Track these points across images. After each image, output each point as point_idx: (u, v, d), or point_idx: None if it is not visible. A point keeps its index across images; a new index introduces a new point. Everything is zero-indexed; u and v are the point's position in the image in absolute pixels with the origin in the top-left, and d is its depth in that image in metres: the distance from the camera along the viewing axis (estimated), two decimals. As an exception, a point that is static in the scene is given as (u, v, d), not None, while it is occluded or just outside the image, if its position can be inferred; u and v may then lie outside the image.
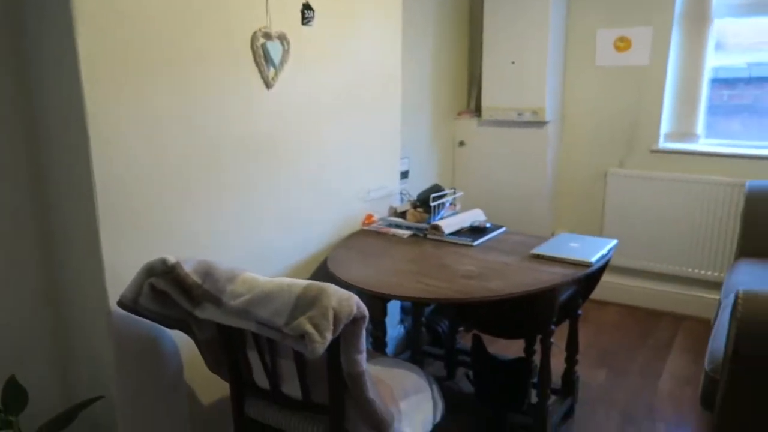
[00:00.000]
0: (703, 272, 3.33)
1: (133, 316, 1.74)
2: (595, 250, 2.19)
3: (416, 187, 3.30)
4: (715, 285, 3.33)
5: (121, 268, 1.72)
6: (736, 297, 1.70)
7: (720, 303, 2.52)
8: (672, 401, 2.57)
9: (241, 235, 2.10)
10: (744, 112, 3.44)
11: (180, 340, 1.92)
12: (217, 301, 1.52)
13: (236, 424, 1.79)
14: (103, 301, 1.71)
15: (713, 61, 3.33)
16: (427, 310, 2.99)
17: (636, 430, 2.38)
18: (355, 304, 1.43)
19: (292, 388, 1.65)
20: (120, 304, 1.61)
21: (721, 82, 3.41)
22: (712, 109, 3.43)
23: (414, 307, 2.65)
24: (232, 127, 2.01)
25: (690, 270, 3.37)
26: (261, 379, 1.70)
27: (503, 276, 2.02)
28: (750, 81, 3.48)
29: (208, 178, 1.95)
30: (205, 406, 2.06)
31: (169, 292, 1.59)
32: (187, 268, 1.58)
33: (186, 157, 1.86)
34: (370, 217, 2.66)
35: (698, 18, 3.25)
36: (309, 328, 1.37)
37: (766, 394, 1.69)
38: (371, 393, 1.53)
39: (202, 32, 1.86)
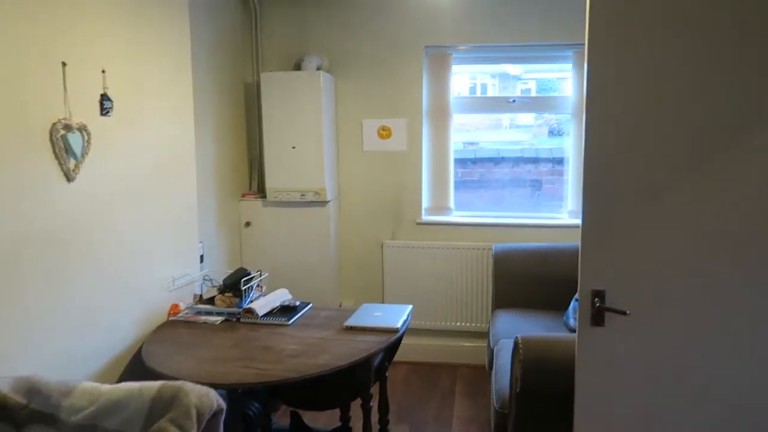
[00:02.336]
0: (469, 324, 3.91)
1: None
2: (397, 316, 2.48)
3: (213, 271, 3.27)
4: (480, 335, 3.92)
5: None
6: (516, 343, 2.11)
7: (491, 350, 3.01)
8: (464, 441, 2.95)
9: (44, 339, 1.90)
10: (475, 187, 4.21)
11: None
12: (51, 419, 1.39)
13: None
14: None
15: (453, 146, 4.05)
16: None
17: (441, 473, 2.68)
18: (214, 397, 1.44)
19: (136, 501, 1.54)
20: None
21: (455, 162, 4.13)
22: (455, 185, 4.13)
23: (229, 395, 2.61)
24: (32, 222, 1.85)
25: (459, 324, 3.92)
26: (96, 500, 1.55)
27: (326, 350, 2.17)
28: (475, 161, 4.29)
29: (6, 277, 1.75)
30: None
31: (-18, 419, 1.39)
32: (5, 387, 1.41)
33: (-19, 262, 1.66)
34: (176, 306, 2.58)
35: (441, 113, 3.94)
36: (173, 430, 1.34)
37: (547, 420, 2.10)
38: (230, 487, 1.52)
39: None
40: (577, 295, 1.88)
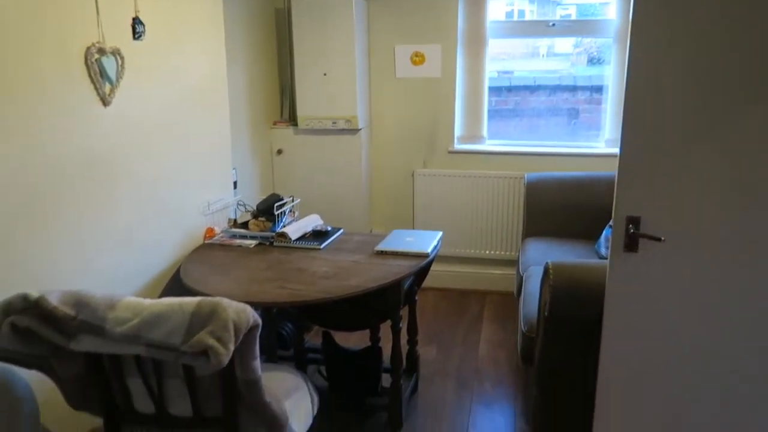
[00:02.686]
0: (499, 252, 3.93)
1: (-20, 361, 1.56)
2: (428, 242, 2.50)
3: (246, 197, 3.33)
4: (509, 262, 3.94)
5: (-35, 311, 1.53)
6: (547, 268, 2.12)
7: (521, 276, 3.04)
8: (492, 363, 3.03)
9: (85, 261, 1.98)
10: (509, 116, 4.12)
11: (33, 380, 1.75)
12: (98, 330, 1.47)
13: (115, 457, 1.71)
14: (-55, 350, 1.50)
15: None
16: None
17: (468, 392, 2.77)
18: (251, 313, 1.50)
19: (180, 407, 1.64)
20: (-27, 349, 1.45)
21: (489, 90, 4.02)
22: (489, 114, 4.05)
23: (265, 313, 2.71)
24: (71, 146, 1.89)
25: (488, 252, 3.95)
26: (143, 405, 1.66)
27: (357, 273, 2.22)
28: (510, 89, 4.17)
29: (47, 200, 1.82)
30: (63, 448, 1.90)
31: (35, 328, 1.48)
32: (54, 300, 1.48)
33: (24, 178, 1.72)
34: (211, 230, 2.65)
35: (476, 38, 3.81)
36: (212, 342, 1.41)
37: (573, 346, 2.14)
38: (267, 396, 1.60)
39: (35, 49, 1.72)
40: (610, 224, 1.86)
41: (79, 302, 1.49)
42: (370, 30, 3.87)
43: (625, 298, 1.86)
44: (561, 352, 2.17)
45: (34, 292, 1.47)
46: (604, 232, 3.10)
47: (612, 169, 3.53)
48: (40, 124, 1.76)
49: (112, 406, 1.69)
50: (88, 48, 1.93)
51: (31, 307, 1.47)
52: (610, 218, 2.82)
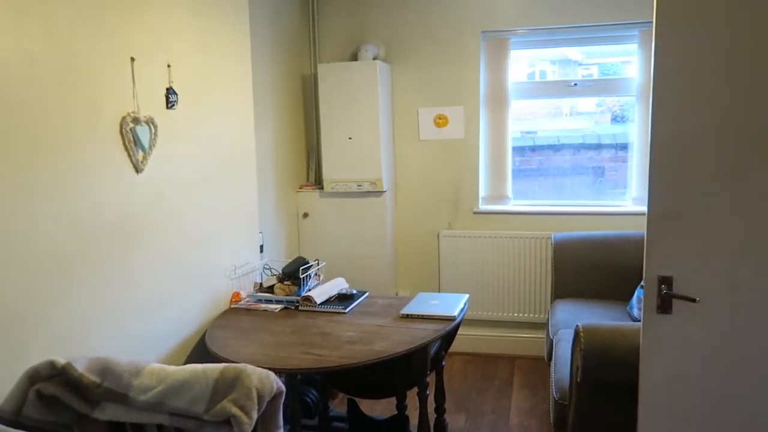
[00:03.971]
0: (527, 315, 3.84)
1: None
2: (454, 305, 2.46)
3: (272, 260, 3.35)
4: (539, 325, 3.85)
5: (-7, 378, 1.54)
6: (578, 331, 2.06)
7: (551, 340, 2.95)
8: (523, 431, 2.92)
9: (113, 325, 1.99)
10: (534, 176, 4.12)
11: (56, 450, 1.73)
12: (122, 398, 1.46)
13: None
14: (-30, 418, 1.50)
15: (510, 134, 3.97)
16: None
17: (500, 463, 2.65)
18: (274, 380, 1.48)
19: (201, 479, 1.59)
20: (-1, 418, 1.45)
21: (513, 150, 4.05)
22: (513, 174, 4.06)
23: (289, 380, 2.67)
24: (104, 213, 1.94)
25: (516, 315, 3.86)
26: (165, 476, 1.62)
27: (383, 337, 2.18)
28: (534, 149, 4.19)
29: (81, 265, 1.85)
30: None
31: (60, 396, 1.48)
32: (80, 367, 1.49)
33: (55, 248, 1.75)
34: (237, 294, 2.66)
35: (499, 99, 3.87)
36: (235, 411, 1.38)
37: (607, 410, 2.05)
38: (291, 468, 1.56)
39: (72, 118, 1.80)
40: (642, 284, 1.81)
41: (105, 369, 1.49)
42: (393, 93, 3.97)
43: (661, 361, 1.79)
44: (596, 419, 2.08)
45: (60, 359, 1.48)
46: (635, 292, 3.02)
47: (640, 228, 3.48)
48: (74, 189, 1.81)
49: (134, 477, 1.65)
50: (124, 117, 2.01)
51: (58, 374, 1.47)
52: (639, 278, 2.75)
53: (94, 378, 1.46)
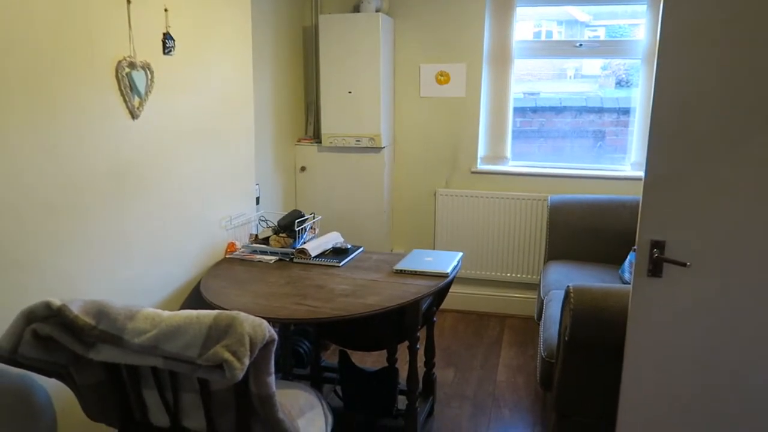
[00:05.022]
0: (520, 276, 3.88)
1: (2, 368, 1.59)
2: (447, 262, 2.48)
3: (268, 212, 3.35)
4: (531, 286, 3.90)
5: (-11, 317, 1.56)
6: (568, 292, 2.08)
7: (542, 300, 2.99)
8: (510, 388, 2.98)
9: (110, 270, 2.01)
10: (534, 137, 4.09)
11: (53, 389, 1.77)
12: (117, 340, 1.48)
13: (129, 469, 1.71)
14: (-33, 355, 1.53)
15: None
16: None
17: (486, 417, 2.72)
18: (267, 328, 1.50)
19: (194, 421, 1.64)
20: (-5, 355, 1.47)
21: (514, 111, 4.01)
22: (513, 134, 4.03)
23: (282, 330, 2.71)
24: (99, 158, 1.93)
25: (509, 275, 3.90)
26: (158, 418, 1.66)
27: (376, 292, 2.21)
28: (535, 110, 4.16)
29: (75, 210, 1.85)
30: (78, 458, 1.91)
31: (56, 336, 1.50)
32: (75, 309, 1.50)
33: (52, 191, 1.75)
34: (232, 245, 2.67)
35: (502, 58, 3.81)
36: (227, 355, 1.41)
37: (592, 370, 2.09)
38: (281, 413, 1.59)
39: (66, 60, 1.77)
40: (634, 248, 1.82)
41: (100, 312, 1.51)
42: (395, 48, 3.90)
43: (648, 324, 1.82)
44: (581, 377, 2.13)
45: (56, 301, 1.49)
46: (628, 257, 3.05)
47: (638, 193, 3.48)
48: (69, 133, 1.80)
49: (128, 418, 1.69)
50: (119, 62, 1.98)
51: (54, 315, 1.49)
52: (633, 243, 2.78)
53: (89, 320, 1.48)
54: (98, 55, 1.89)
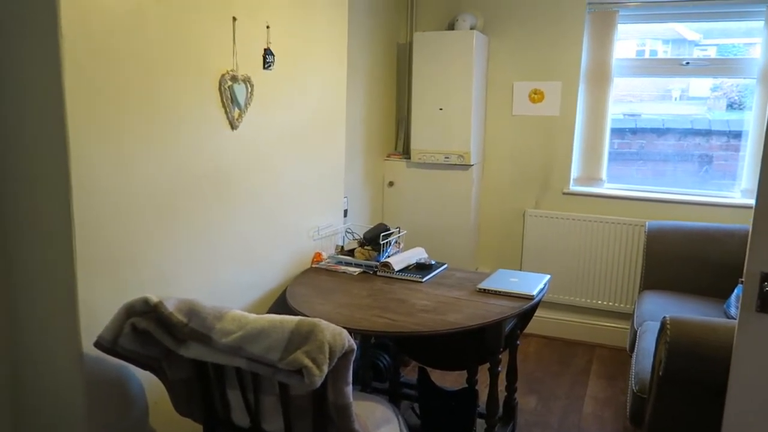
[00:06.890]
0: (611, 304, 3.70)
1: (103, 358, 1.70)
2: (534, 284, 2.40)
3: (355, 225, 3.41)
4: (623, 315, 3.69)
5: (95, 308, 1.68)
6: (664, 323, 1.95)
7: (635, 331, 2.83)
8: (596, 421, 2.83)
9: (204, 271, 2.11)
10: (632, 159, 3.90)
11: (146, 381, 1.88)
12: (205, 339, 1.54)
13: (210, 465, 1.78)
14: (74, 342, 1.65)
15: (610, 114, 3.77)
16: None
17: (569, 450, 2.60)
18: (346, 338, 1.51)
19: (273, 424, 1.67)
20: (98, 345, 1.58)
21: (611, 132, 3.85)
22: (610, 156, 3.86)
23: (363, 342, 2.73)
24: (200, 165, 2.04)
25: (600, 302, 3.73)
26: (240, 418, 1.71)
27: (457, 309, 2.17)
28: (635, 131, 3.96)
29: (175, 214, 1.96)
30: (165, 449, 2.01)
31: (151, 331, 1.58)
32: (170, 306, 1.58)
33: (156, 194, 1.87)
34: (319, 255, 2.73)
35: (600, 76, 3.68)
36: (307, 362, 1.43)
37: (689, 408, 1.94)
38: (357, 424, 1.60)
39: (177, 73, 1.89)
40: (741, 280, 1.68)
41: (191, 310, 1.58)
42: (489, 66, 3.87)
43: (755, 363, 1.66)
44: (675, 416, 1.98)
45: (153, 297, 1.58)
46: (735, 290, 2.82)
47: (746, 222, 3.22)
48: (174, 141, 1.92)
49: (213, 416, 1.76)
50: (223, 75, 2.09)
51: (151, 311, 1.58)
52: (740, 275, 2.56)
53: (181, 317, 1.56)
54: (204, 68, 2.01)
